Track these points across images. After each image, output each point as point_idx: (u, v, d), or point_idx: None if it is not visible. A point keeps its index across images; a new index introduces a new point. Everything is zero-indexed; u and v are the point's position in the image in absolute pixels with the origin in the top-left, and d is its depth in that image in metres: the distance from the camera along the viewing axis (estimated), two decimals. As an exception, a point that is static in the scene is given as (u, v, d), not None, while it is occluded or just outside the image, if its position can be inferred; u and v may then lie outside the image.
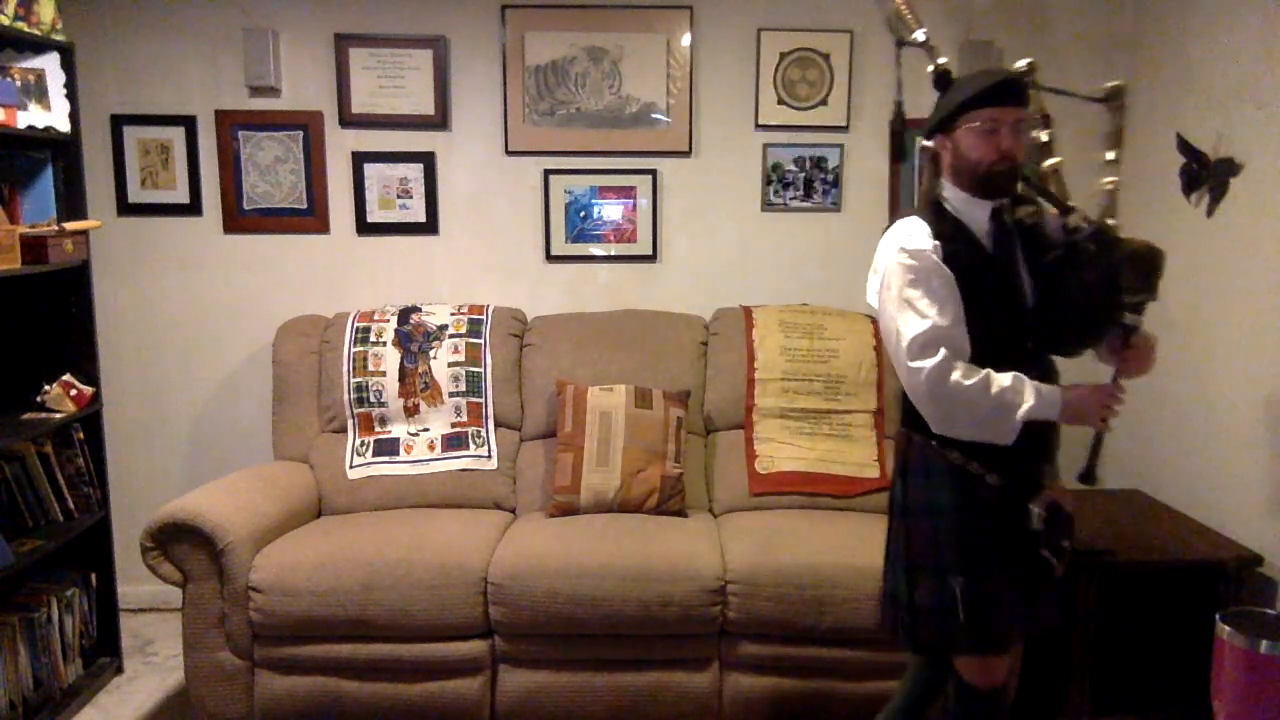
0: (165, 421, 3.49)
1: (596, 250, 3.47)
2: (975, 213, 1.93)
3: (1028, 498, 1.90)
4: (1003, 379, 1.84)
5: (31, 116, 2.69)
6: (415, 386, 3.10)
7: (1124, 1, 3.31)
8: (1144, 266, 1.81)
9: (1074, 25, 3.31)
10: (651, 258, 3.48)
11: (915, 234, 1.92)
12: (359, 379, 3.09)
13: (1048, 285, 1.91)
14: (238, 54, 3.32)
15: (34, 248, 2.64)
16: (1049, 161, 1.95)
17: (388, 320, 3.17)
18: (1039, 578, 1.95)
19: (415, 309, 3.21)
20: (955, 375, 1.83)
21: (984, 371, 1.85)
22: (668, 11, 3.34)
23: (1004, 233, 1.93)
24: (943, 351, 1.84)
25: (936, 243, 1.89)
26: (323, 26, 3.33)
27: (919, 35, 2.03)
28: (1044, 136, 1.97)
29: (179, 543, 2.55)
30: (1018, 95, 1.88)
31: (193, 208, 3.39)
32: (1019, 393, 1.83)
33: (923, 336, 1.85)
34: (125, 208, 3.38)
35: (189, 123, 3.35)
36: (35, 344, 2.92)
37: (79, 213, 2.88)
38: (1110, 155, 1.96)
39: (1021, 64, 1.97)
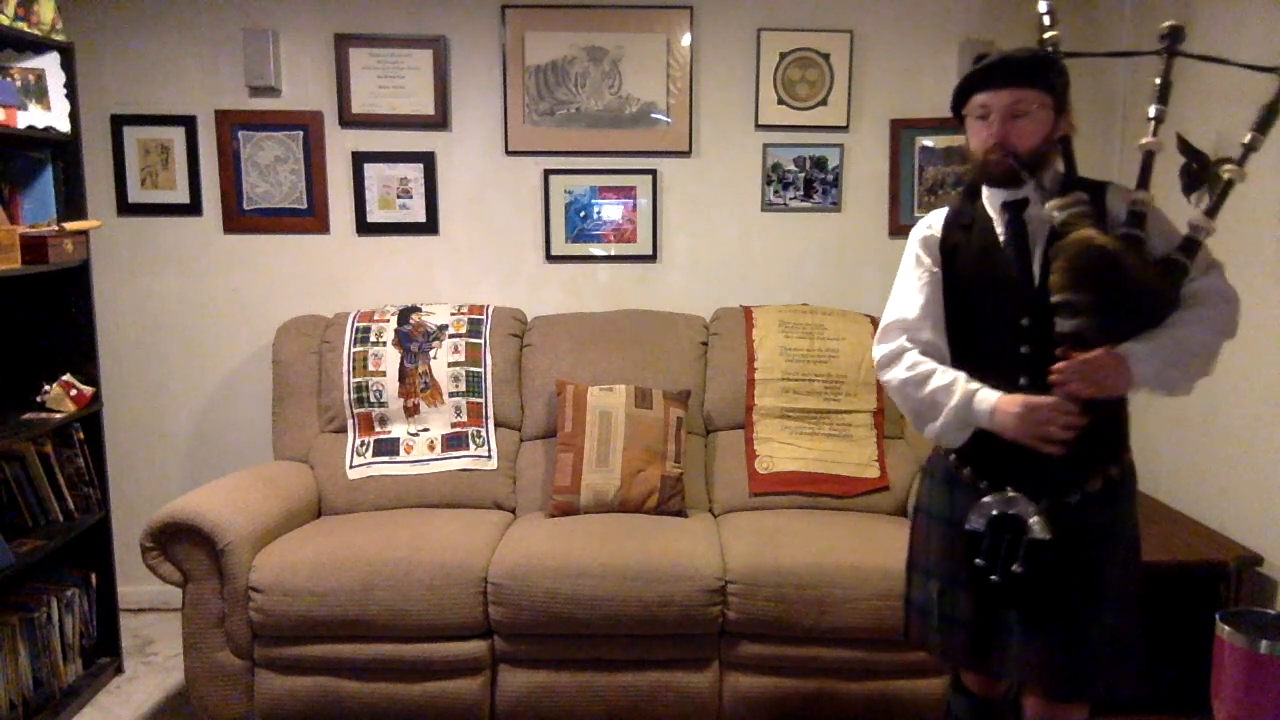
0: (165, 421, 3.49)
1: (596, 250, 3.47)
2: (996, 201, 1.82)
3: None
4: (943, 377, 1.78)
5: (31, 116, 2.69)
6: (415, 386, 3.10)
7: (1123, 1, 3.31)
8: (1071, 264, 1.61)
9: (1073, 25, 3.31)
10: (651, 257, 3.48)
11: (924, 222, 1.92)
12: (359, 379, 3.09)
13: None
14: (238, 54, 3.32)
15: (34, 248, 2.64)
16: (1143, 140, 1.72)
17: (388, 320, 3.17)
18: (1039, 611, 1.74)
19: (415, 309, 3.21)
20: (898, 366, 1.83)
21: (932, 367, 1.80)
22: (668, 11, 3.34)
23: (1017, 225, 1.79)
24: (897, 341, 1.85)
25: (930, 233, 1.88)
26: (323, 26, 3.33)
27: (1042, 5, 1.82)
28: (1151, 111, 1.73)
29: (179, 543, 2.55)
30: (1013, 76, 1.71)
31: (193, 208, 3.39)
32: (950, 394, 1.76)
33: (891, 325, 1.88)
34: (125, 208, 3.38)
35: (189, 123, 3.35)
36: (35, 344, 2.92)
37: (79, 213, 2.88)
38: (1246, 139, 1.69)
39: (1165, 26, 1.73)
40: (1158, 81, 1.76)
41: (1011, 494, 1.75)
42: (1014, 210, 1.79)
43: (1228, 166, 1.70)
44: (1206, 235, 1.68)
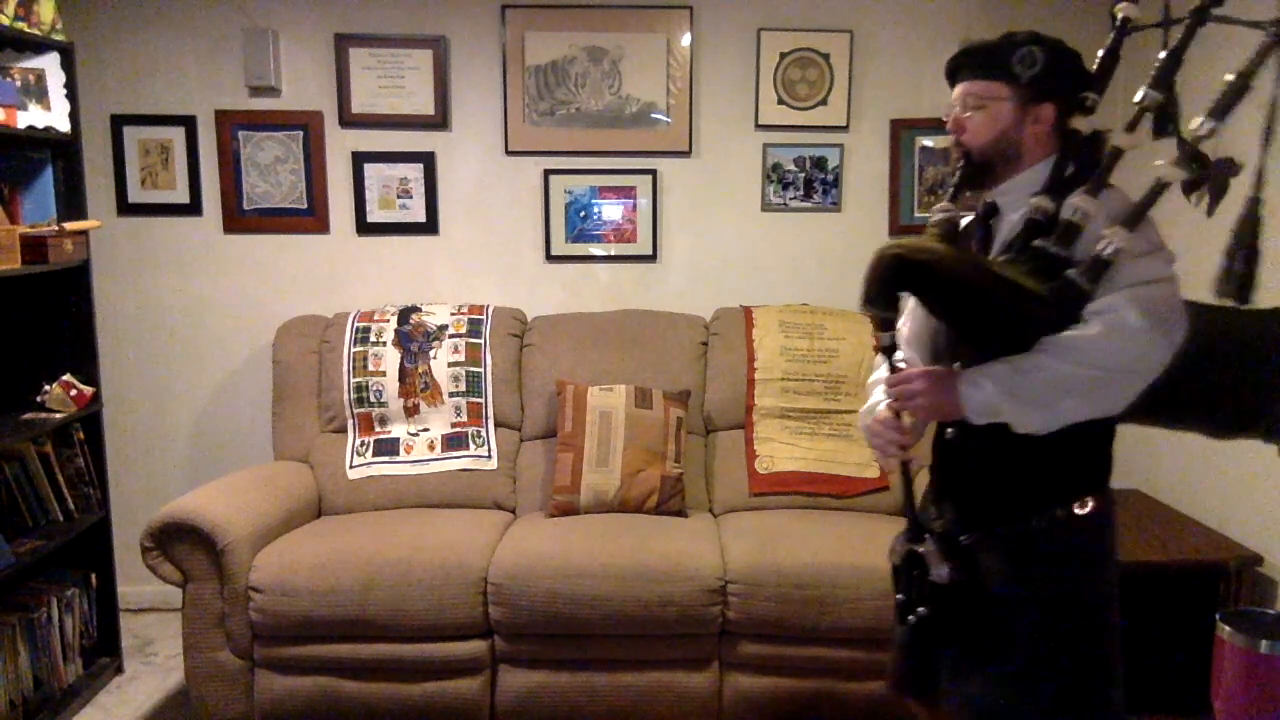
0: (165, 421, 3.49)
1: (596, 250, 3.47)
2: None
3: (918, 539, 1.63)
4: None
5: (31, 116, 2.69)
6: (415, 386, 3.09)
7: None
8: (867, 275, 1.51)
9: (1073, 25, 3.31)
10: (651, 258, 3.48)
11: None
12: (359, 379, 3.09)
13: None
14: (238, 54, 3.32)
15: (34, 248, 2.64)
16: (1111, 130, 1.52)
17: (388, 320, 3.17)
18: (964, 655, 1.62)
19: (415, 309, 3.21)
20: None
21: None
22: (668, 11, 3.34)
23: (983, 232, 1.66)
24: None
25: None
26: (323, 26, 3.33)
27: None
28: (1138, 95, 1.51)
29: (179, 543, 2.55)
30: (966, 67, 1.62)
31: (193, 208, 3.39)
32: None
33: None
34: (125, 208, 3.38)
35: (189, 123, 3.35)
36: (35, 344, 2.92)
37: (79, 213, 2.88)
38: (1199, 125, 1.44)
39: None
40: (1161, 56, 1.50)
41: (931, 527, 1.64)
42: (983, 214, 1.67)
43: (1123, 136, 1.50)
44: (1114, 251, 1.43)
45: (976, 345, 1.53)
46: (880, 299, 1.52)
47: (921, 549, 1.61)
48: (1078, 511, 1.57)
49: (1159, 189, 1.45)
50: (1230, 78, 1.43)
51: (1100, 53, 1.59)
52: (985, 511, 1.61)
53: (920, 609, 1.60)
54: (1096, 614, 1.60)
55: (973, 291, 1.46)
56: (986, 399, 1.48)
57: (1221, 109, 1.45)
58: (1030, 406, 1.46)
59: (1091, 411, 1.48)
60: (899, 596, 1.67)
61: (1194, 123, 1.47)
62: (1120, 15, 1.55)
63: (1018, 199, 1.58)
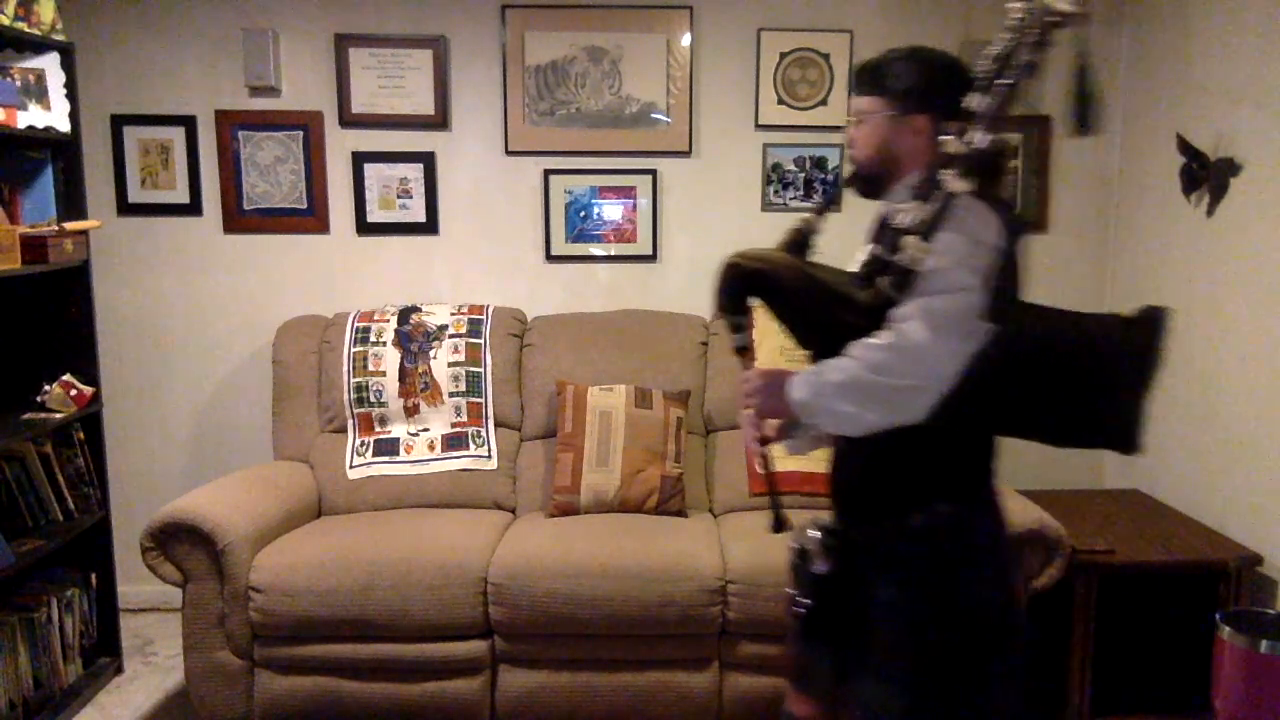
0: (165, 421, 3.49)
1: (596, 250, 3.47)
2: None
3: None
4: None
5: (31, 116, 2.69)
6: (415, 386, 3.10)
7: (1123, 1, 3.31)
8: (715, 281, 1.58)
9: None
10: (651, 258, 3.48)
11: None
12: (359, 379, 3.09)
13: None
14: (238, 54, 3.32)
15: (34, 248, 2.64)
16: (947, 141, 1.51)
17: (388, 320, 3.17)
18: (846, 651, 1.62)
19: (415, 309, 3.21)
20: None
21: None
22: (668, 11, 3.34)
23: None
24: None
25: None
26: (323, 26, 3.33)
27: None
28: (967, 100, 1.52)
29: (179, 543, 2.55)
30: (857, 83, 1.67)
31: (193, 208, 3.39)
32: None
33: None
34: (125, 208, 3.38)
35: (189, 123, 3.35)
36: (35, 344, 2.92)
37: (79, 213, 2.88)
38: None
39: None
40: (992, 52, 1.52)
41: (816, 521, 1.66)
42: (879, 226, 1.70)
43: (951, 142, 1.46)
44: (914, 263, 1.43)
45: (810, 349, 1.61)
46: (726, 304, 1.59)
47: (804, 542, 1.64)
48: (932, 519, 1.55)
49: (947, 199, 1.43)
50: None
51: (992, 53, 1.57)
52: (858, 510, 1.65)
53: (806, 601, 1.63)
54: (957, 624, 1.54)
55: (800, 298, 1.55)
56: (803, 399, 1.52)
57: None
58: (834, 410, 1.49)
59: (891, 419, 1.46)
60: (789, 590, 1.69)
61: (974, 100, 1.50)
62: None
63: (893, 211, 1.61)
